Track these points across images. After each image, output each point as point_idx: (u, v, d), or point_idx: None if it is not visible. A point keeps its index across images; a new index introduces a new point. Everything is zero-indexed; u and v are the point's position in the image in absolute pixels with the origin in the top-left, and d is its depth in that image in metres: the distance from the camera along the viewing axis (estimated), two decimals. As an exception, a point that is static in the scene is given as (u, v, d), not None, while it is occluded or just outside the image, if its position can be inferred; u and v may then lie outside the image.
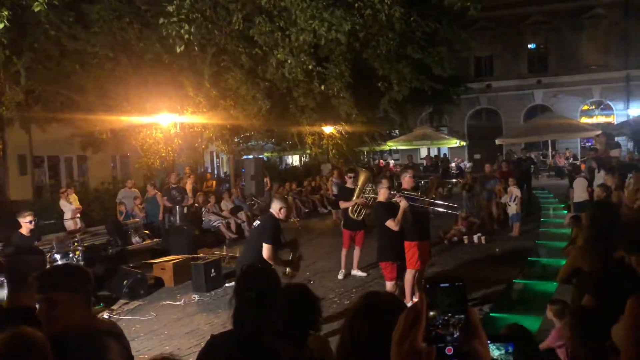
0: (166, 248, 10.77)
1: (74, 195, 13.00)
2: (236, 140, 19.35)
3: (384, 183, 6.67)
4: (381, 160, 29.01)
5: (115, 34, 11.24)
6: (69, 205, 12.43)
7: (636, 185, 7.83)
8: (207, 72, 12.39)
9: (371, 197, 8.30)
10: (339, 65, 12.48)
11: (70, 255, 7.60)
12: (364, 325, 1.67)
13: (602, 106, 27.94)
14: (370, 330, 1.66)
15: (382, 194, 6.64)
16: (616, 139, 13.03)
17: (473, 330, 0.97)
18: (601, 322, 2.53)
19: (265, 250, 5.37)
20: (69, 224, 11.95)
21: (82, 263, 7.36)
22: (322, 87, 12.38)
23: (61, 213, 12.31)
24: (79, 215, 12.24)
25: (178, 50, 8.69)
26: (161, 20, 8.67)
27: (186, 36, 8.33)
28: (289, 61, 9.30)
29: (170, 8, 8.34)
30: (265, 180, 16.73)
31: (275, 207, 5.68)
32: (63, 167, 19.37)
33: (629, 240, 2.20)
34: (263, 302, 2.48)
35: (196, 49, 9.88)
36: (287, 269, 5.77)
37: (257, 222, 6.04)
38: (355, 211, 8.58)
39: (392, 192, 6.59)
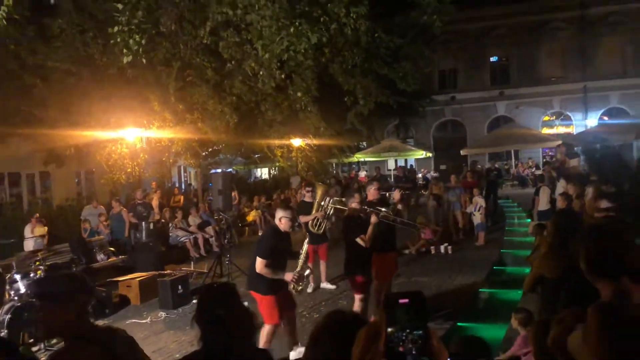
0: (132, 265, 10.59)
1: (43, 227, 12.29)
2: (204, 154, 19.22)
3: (356, 197, 6.71)
4: (353, 172, 29.22)
5: (78, 48, 11.07)
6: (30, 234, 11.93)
7: (594, 195, 8.08)
8: (173, 86, 12.29)
9: (330, 209, 8.40)
10: (305, 80, 12.57)
11: (32, 275, 7.39)
12: (327, 346, 1.69)
13: (562, 117, 28.82)
14: (332, 350, 1.67)
15: (353, 208, 6.68)
16: (575, 149, 13.43)
17: (432, 349, 1.00)
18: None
19: (257, 264, 5.32)
20: (29, 244, 11.57)
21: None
22: (298, 94, 12.38)
23: (22, 233, 11.92)
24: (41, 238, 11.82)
25: (125, 60, 8.57)
26: (110, 30, 8.55)
27: (135, 47, 8.23)
28: (260, 72, 9.31)
29: (122, 18, 8.24)
30: (233, 194, 16.64)
31: (276, 218, 5.58)
32: (25, 184, 18.86)
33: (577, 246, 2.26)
34: (231, 320, 2.46)
35: (143, 61, 9.71)
36: (293, 285, 5.63)
37: (260, 236, 5.96)
38: (315, 225, 8.61)
39: (363, 206, 6.63)
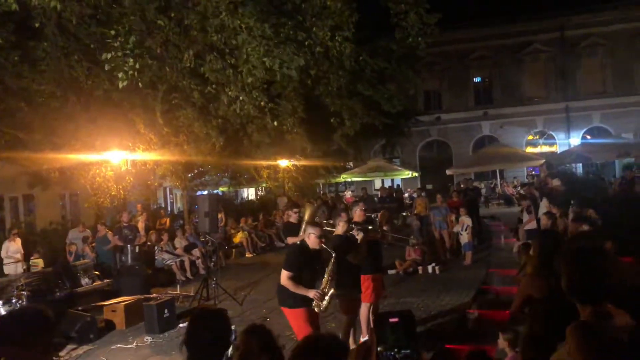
0: (117, 289, 10.45)
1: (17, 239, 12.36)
2: (190, 175, 19.15)
3: (343, 216, 6.72)
4: (346, 193, 29.16)
5: (63, 71, 11.04)
6: (12, 247, 11.87)
7: (570, 219, 8.22)
8: (159, 109, 12.30)
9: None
10: (291, 102, 12.66)
11: (14, 300, 7.26)
12: None
13: (545, 136, 29.24)
14: None
15: (341, 228, 6.68)
16: (558, 168, 13.61)
17: None
18: (549, 348, 2.62)
19: (282, 276, 5.29)
20: (10, 269, 11.42)
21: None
22: (275, 123, 12.49)
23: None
24: (21, 259, 11.70)
25: (121, 85, 8.57)
26: (104, 56, 8.58)
27: (130, 72, 8.24)
28: (240, 98, 9.35)
29: (115, 43, 8.26)
30: (219, 216, 16.55)
31: (306, 234, 5.53)
32: (8, 207, 18.61)
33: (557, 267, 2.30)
34: (219, 344, 2.45)
35: (140, 84, 9.75)
36: (315, 302, 5.47)
37: (288, 250, 5.86)
38: None
39: (350, 225, 6.64)
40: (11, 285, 8.26)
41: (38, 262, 11.68)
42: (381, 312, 1.22)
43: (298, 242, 5.55)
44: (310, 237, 5.41)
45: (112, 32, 8.64)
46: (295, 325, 5.37)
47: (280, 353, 2.69)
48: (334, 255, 5.59)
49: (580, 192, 9.91)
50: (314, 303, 5.45)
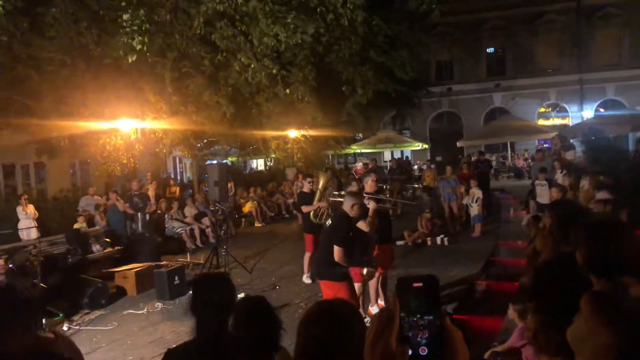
0: (128, 256, 10.56)
1: (30, 205, 12.48)
2: (199, 145, 19.14)
3: (353, 185, 6.70)
4: (356, 165, 29.03)
5: (72, 38, 10.96)
6: (24, 214, 12.01)
7: (592, 186, 8.10)
8: (168, 77, 12.20)
9: (333, 199, 8.35)
10: (302, 70, 12.51)
11: (27, 264, 7.36)
12: (315, 334, 1.69)
13: (558, 108, 28.83)
14: (322, 338, 1.67)
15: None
16: (570, 140, 13.44)
17: (444, 335, 0.98)
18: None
19: (336, 252, 5.18)
20: (24, 234, 11.55)
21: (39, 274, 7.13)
22: (287, 91, 12.38)
23: (17, 221, 11.90)
24: (35, 225, 11.82)
25: (130, 60, 8.51)
26: (117, 39, 8.54)
27: (139, 47, 8.16)
28: (252, 65, 9.25)
29: (125, 16, 8.15)
30: (229, 185, 16.60)
31: (347, 205, 5.40)
32: (19, 175, 18.75)
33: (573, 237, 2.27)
34: (224, 308, 2.46)
35: (149, 60, 9.69)
36: (365, 270, 5.51)
37: (329, 222, 5.68)
38: (318, 215, 8.59)
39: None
40: (25, 251, 8.35)
41: (32, 208, 12.04)
42: (404, 277, 1.22)
43: (346, 214, 5.37)
44: (354, 208, 5.31)
45: (122, 3, 8.52)
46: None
47: (277, 323, 2.66)
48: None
49: (601, 158, 9.74)
50: (365, 271, 5.46)
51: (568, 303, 2.19)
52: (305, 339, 1.73)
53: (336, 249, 5.19)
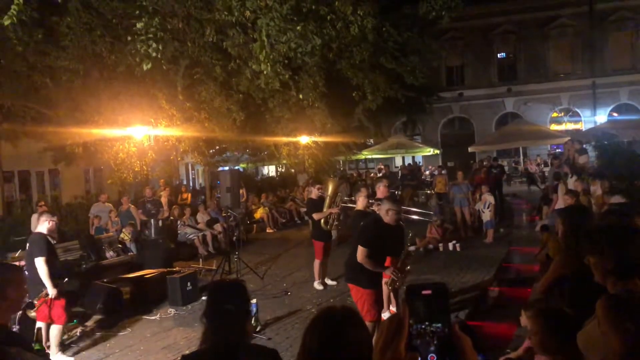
0: (141, 262, 10.64)
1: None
2: (211, 152, 19.23)
3: (363, 192, 6.70)
4: (369, 170, 29.02)
5: (86, 47, 11.09)
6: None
7: (602, 191, 8.04)
8: (180, 84, 12.30)
9: (342, 205, 8.37)
10: (313, 76, 12.55)
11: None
12: (316, 340, 1.70)
13: (570, 113, 28.62)
14: (323, 344, 1.68)
15: (361, 203, 6.66)
16: (584, 145, 13.33)
17: (453, 343, 0.99)
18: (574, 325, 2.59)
19: (359, 252, 5.13)
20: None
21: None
22: (300, 96, 12.42)
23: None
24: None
25: (145, 68, 8.59)
26: (130, 38, 8.61)
27: (154, 54, 8.24)
28: (265, 72, 9.30)
29: (139, 25, 8.24)
30: (241, 191, 16.68)
31: (383, 209, 5.30)
32: (34, 182, 19.00)
33: (589, 242, 2.28)
34: (239, 316, 2.47)
35: (164, 67, 9.79)
36: (390, 281, 5.41)
37: (362, 223, 5.62)
38: (328, 222, 8.59)
39: (370, 200, 6.62)
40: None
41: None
42: (414, 285, 1.22)
43: (373, 217, 5.31)
44: (389, 213, 5.22)
45: (136, 12, 8.61)
46: (363, 306, 5.26)
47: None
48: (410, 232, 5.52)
49: (614, 163, 9.66)
50: (388, 281, 5.37)
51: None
52: (301, 347, 1.75)
53: (359, 249, 5.13)
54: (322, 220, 8.59)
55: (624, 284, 2.05)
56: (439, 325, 0.99)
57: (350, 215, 7.55)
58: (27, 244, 6.46)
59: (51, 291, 6.14)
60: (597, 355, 2.02)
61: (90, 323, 7.75)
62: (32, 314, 6.23)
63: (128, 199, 12.98)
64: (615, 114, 27.07)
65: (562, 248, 4.22)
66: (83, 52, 11.18)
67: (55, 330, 6.32)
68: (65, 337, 6.99)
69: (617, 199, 6.64)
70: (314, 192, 9.32)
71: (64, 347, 6.64)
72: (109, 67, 12.08)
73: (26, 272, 6.07)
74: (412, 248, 11.07)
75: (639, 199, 7.52)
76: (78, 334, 7.25)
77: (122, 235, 11.95)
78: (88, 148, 15.06)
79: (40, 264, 6.13)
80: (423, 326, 1.00)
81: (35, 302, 6.14)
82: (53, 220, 6.59)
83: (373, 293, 5.26)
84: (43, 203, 12.66)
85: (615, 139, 16.64)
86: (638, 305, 1.92)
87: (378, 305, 5.32)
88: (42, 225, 6.47)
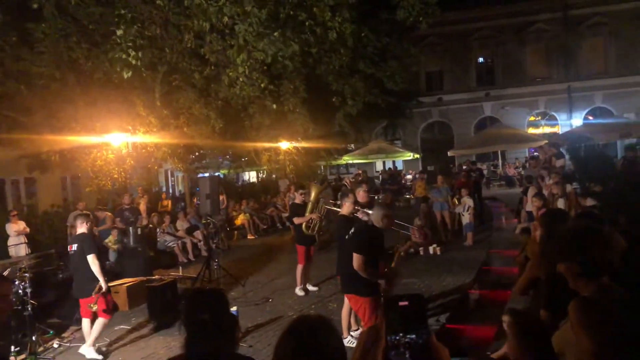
0: (120, 271, 10.48)
1: (20, 222, 12.41)
2: (191, 157, 19.09)
3: (350, 197, 6.69)
4: (355, 172, 29.02)
5: (62, 53, 10.95)
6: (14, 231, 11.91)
7: (576, 194, 8.16)
8: (158, 90, 12.21)
9: (324, 211, 8.36)
10: (293, 82, 12.57)
11: (16, 282, 7.27)
12: (289, 349, 1.68)
13: (547, 117, 29.06)
14: (295, 352, 1.66)
15: (346, 208, 6.66)
16: (560, 149, 13.54)
17: (430, 353, 0.98)
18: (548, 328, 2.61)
19: (355, 260, 5.05)
20: (13, 251, 11.47)
21: (28, 291, 7.06)
22: (274, 106, 12.40)
23: (6, 237, 11.81)
24: (25, 241, 11.74)
25: (125, 76, 8.52)
26: (108, 46, 8.56)
27: (133, 62, 8.18)
28: (240, 79, 9.27)
29: (118, 32, 8.16)
30: (221, 198, 16.55)
31: (377, 215, 5.21)
32: (9, 190, 18.63)
33: (558, 248, 2.30)
34: (217, 325, 2.42)
35: (144, 74, 9.73)
36: (383, 284, 5.36)
37: (352, 230, 5.51)
38: (310, 226, 8.58)
39: (356, 207, 6.62)
40: (14, 268, 8.26)
41: (22, 225, 12.13)
42: (392, 296, 1.22)
43: (372, 225, 5.22)
44: (384, 220, 5.17)
45: (115, 19, 8.55)
46: (364, 314, 5.22)
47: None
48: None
49: (588, 166, 9.81)
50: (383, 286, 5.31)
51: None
52: (274, 357, 1.72)
53: (355, 257, 5.06)
54: (304, 225, 8.58)
55: (595, 282, 2.08)
56: (414, 336, 0.98)
57: (334, 221, 7.55)
58: (75, 245, 6.64)
59: (104, 285, 6.45)
60: (572, 356, 2.03)
61: (67, 334, 7.60)
62: (94, 307, 6.45)
63: (103, 212, 12.85)
64: (590, 118, 27.56)
65: (537, 251, 4.26)
66: (59, 58, 11.04)
67: (100, 323, 6.57)
68: (41, 349, 6.85)
69: (589, 201, 6.74)
70: (298, 197, 9.35)
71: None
72: (86, 73, 11.94)
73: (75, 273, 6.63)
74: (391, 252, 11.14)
75: (611, 201, 7.65)
76: (55, 345, 7.10)
77: (107, 240, 11.75)
78: (65, 155, 14.83)
79: (93, 259, 6.43)
80: (397, 337, 0.99)
81: (93, 295, 6.37)
82: (90, 221, 6.87)
83: (372, 300, 5.22)
84: (16, 213, 12.43)
85: (590, 142, 16.94)
86: (609, 306, 1.94)
87: (377, 312, 5.25)
88: (82, 227, 6.69)
